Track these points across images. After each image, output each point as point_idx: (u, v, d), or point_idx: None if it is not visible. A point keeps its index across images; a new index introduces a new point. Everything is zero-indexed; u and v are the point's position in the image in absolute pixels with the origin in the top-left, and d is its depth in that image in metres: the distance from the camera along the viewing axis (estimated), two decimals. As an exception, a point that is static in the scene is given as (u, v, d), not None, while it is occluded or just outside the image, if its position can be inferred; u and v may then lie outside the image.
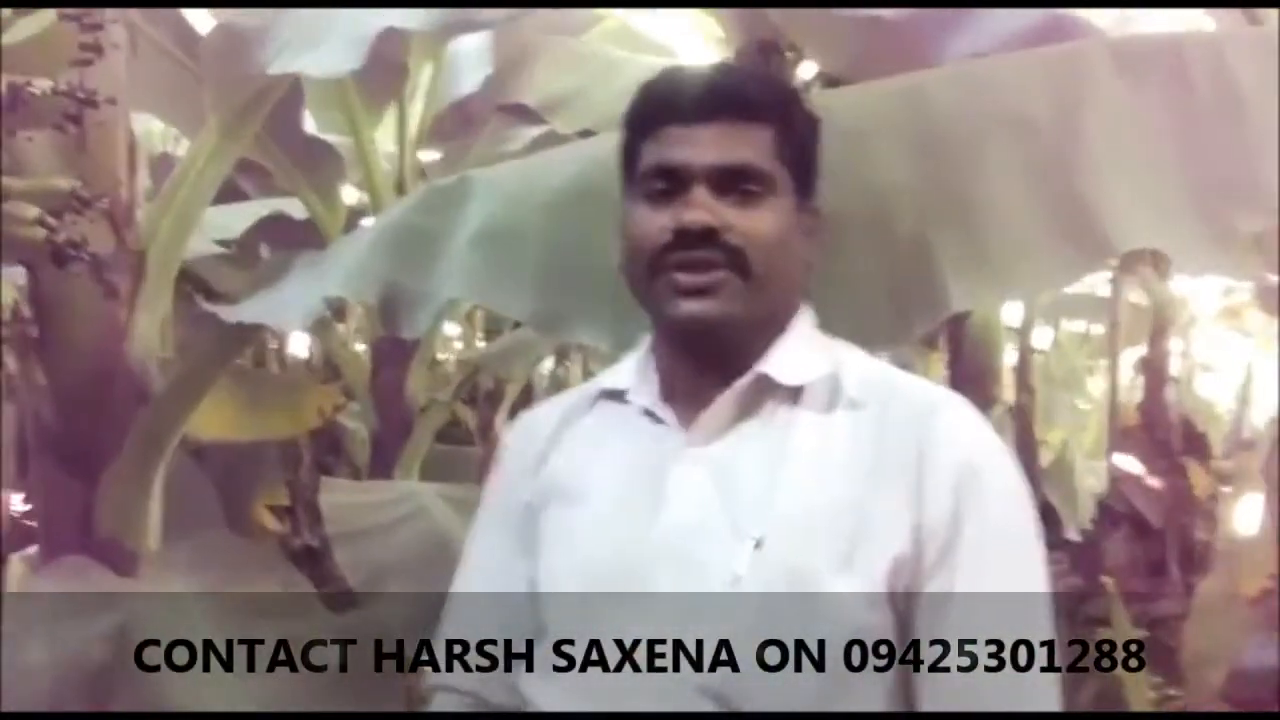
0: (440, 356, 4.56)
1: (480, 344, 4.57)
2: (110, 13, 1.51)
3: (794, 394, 1.07)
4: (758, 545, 1.00)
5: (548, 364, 5.19)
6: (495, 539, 1.18)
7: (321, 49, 1.76)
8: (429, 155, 3.67)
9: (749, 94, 1.07)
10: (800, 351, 1.09)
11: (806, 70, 3.06)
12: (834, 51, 2.40)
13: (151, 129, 3.88)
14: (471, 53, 3.48)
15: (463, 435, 5.25)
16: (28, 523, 2.00)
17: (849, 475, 1.03)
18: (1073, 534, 4.10)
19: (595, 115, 3.35)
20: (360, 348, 3.80)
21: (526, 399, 5.63)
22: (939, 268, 1.45)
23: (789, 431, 1.06)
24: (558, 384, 5.50)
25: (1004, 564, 1.03)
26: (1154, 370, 3.80)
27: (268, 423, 3.45)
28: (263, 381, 3.49)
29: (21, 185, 1.36)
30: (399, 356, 3.10)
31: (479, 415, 5.18)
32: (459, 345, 5.31)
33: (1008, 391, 3.28)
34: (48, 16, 1.30)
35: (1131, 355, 4.18)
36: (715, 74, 1.13)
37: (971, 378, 2.76)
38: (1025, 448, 3.66)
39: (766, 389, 1.07)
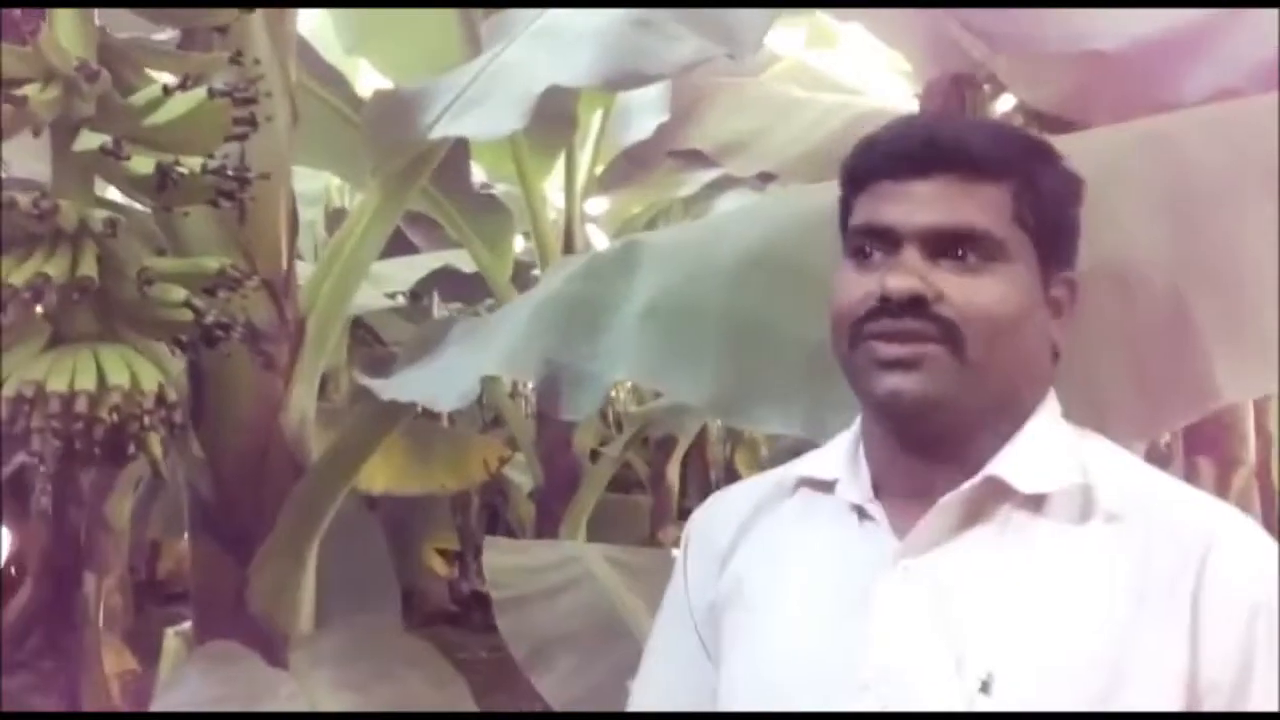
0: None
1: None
2: (267, 84, 1.44)
3: (1035, 500, 0.89)
4: (984, 687, 0.84)
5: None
6: (676, 643, 1.04)
7: (484, 109, 1.68)
8: (598, 203, 3.59)
9: (976, 147, 0.91)
10: (1042, 451, 0.91)
11: (1003, 106, 2.82)
12: (1043, 86, 2.15)
13: (330, 184, 3.95)
14: (644, 98, 3.38)
15: (632, 479, 5.11)
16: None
17: (1103, 605, 0.85)
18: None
19: (774, 157, 3.19)
20: (526, 388, 3.73)
21: (700, 447, 5.48)
22: (1200, 349, 1.21)
23: (1027, 546, 0.88)
24: (733, 432, 5.31)
25: None
26: None
27: (433, 477, 3.44)
28: (428, 434, 3.47)
29: (168, 267, 1.29)
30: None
31: (650, 463, 5.04)
32: (628, 393, 5.19)
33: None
34: (198, 94, 1.24)
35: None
36: (939, 124, 0.97)
37: (1209, 435, 2.39)
38: (1264, 502, 3.16)
39: (1000, 492, 0.90)
